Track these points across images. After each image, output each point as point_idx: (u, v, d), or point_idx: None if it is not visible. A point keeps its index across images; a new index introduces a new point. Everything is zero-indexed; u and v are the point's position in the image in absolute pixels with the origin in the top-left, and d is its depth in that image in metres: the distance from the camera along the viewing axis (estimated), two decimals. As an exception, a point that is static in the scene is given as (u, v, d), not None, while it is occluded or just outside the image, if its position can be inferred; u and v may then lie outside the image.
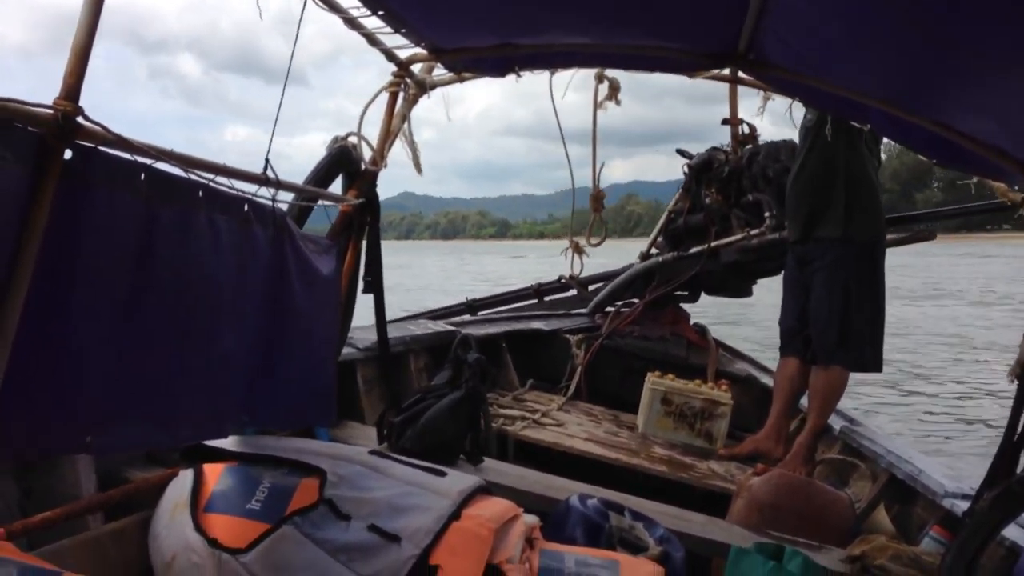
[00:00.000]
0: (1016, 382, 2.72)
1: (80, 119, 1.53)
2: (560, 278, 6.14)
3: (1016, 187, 3.02)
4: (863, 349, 3.90)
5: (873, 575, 2.62)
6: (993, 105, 2.24)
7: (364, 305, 3.19)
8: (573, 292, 6.06)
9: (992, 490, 2.60)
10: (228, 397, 2.14)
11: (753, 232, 5.00)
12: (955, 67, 2.04)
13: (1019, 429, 2.68)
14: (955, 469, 3.60)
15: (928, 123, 2.47)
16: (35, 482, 2.08)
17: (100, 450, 1.80)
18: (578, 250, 4.57)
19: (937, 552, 2.67)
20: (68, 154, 1.54)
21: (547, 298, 6.15)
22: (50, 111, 1.48)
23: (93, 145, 1.59)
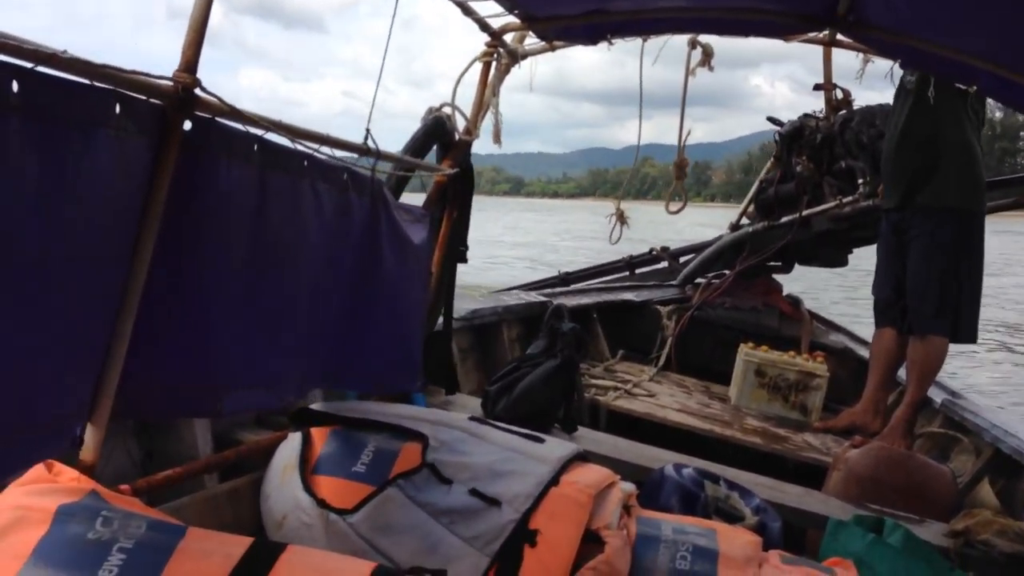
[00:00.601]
0: None
1: (198, 91, 1.59)
2: (651, 250, 6.14)
3: None
4: (961, 319, 3.79)
5: (977, 550, 2.57)
6: None
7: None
8: (664, 264, 6.03)
9: None
10: (321, 360, 2.20)
11: (846, 200, 4.88)
12: None
13: None
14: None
15: (1041, 84, 2.37)
16: (156, 443, 2.20)
17: (229, 412, 1.88)
18: (622, 219, 4.53)
19: (1046, 528, 2.59)
20: (187, 125, 1.60)
21: (638, 271, 6.14)
22: (170, 83, 1.54)
23: (210, 116, 1.65)
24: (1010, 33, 2.20)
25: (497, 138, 3.32)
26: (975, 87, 2.80)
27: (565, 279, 6.12)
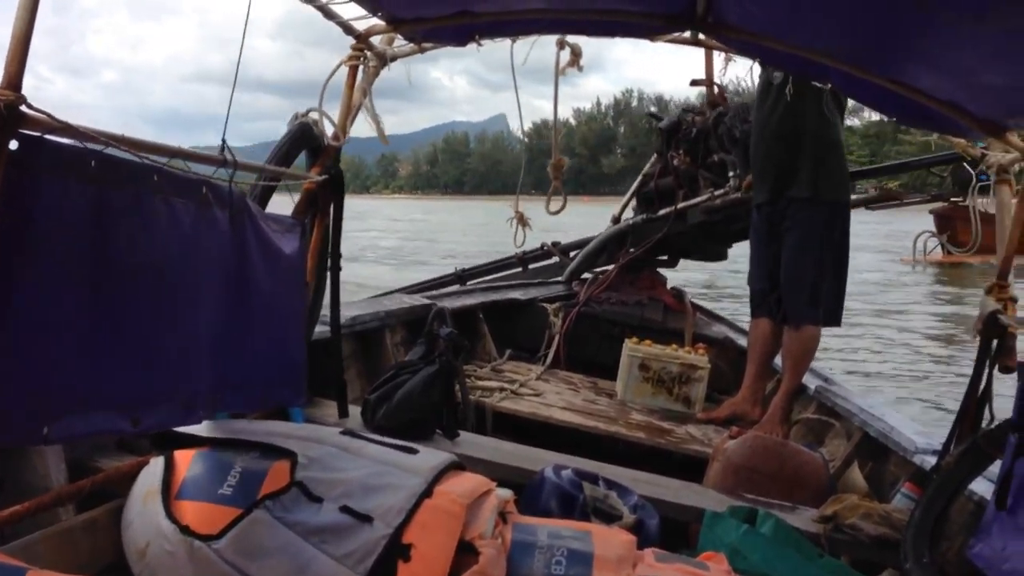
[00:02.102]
0: (978, 338, 2.75)
1: (24, 108, 1.50)
2: (543, 245, 6.17)
3: (975, 142, 3.02)
4: (830, 306, 3.93)
5: (845, 534, 2.66)
6: (947, 61, 2.24)
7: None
8: (556, 259, 6.07)
9: (957, 446, 2.64)
10: (194, 382, 2.12)
11: (717, 192, 5.01)
12: (909, 24, 2.04)
13: (982, 384, 2.71)
14: (927, 425, 3.64)
15: (886, 81, 2.47)
16: (4, 474, 2.07)
17: (58, 440, 1.78)
18: (523, 221, 4.58)
19: (908, 508, 2.70)
20: (14, 144, 1.51)
21: (531, 266, 6.18)
22: None
23: (39, 134, 1.57)
24: (853, 34, 2.29)
25: (382, 138, 3.28)
26: (828, 84, 2.90)
27: (461, 276, 6.14)
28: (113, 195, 1.73)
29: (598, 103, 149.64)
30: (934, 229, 21.25)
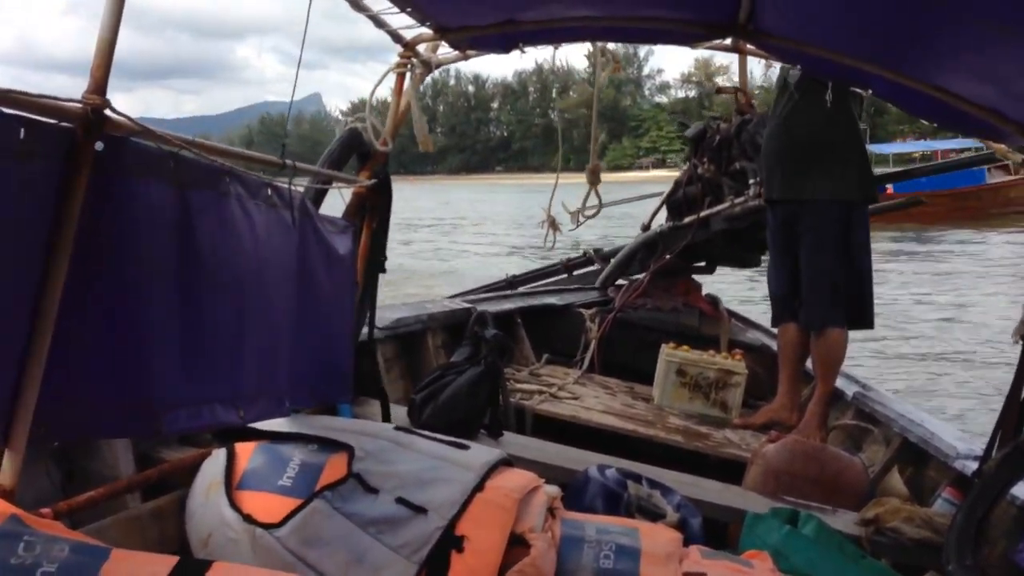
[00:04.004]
0: (1021, 343, 2.76)
1: (108, 112, 1.58)
2: (585, 252, 6.27)
3: (1015, 147, 3.04)
4: (855, 307, 3.93)
5: (887, 537, 2.69)
6: (989, 69, 2.27)
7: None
8: (596, 266, 6.14)
9: (999, 451, 2.65)
10: (278, 377, 2.21)
11: (737, 200, 5.03)
12: (952, 32, 2.08)
13: None
14: (967, 431, 3.64)
15: (928, 87, 2.50)
16: (76, 464, 2.16)
17: (170, 432, 1.87)
18: (554, 226, 4.65)
19: (949, 513, 2.72)
20: (99, 146, 1.59)
21: (575, 272, 6.27)
22: (80, 106, 1.53)
23: (123, 135, 1.65)
24: (894, 41, 2.32)
25: (425, 145, 3.34)
26: (869, 90, 2.93)
27: (512, 282, 6.29)
28: (192, 195, 1.82)
29: (480, 82, 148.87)
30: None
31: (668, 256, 5.44)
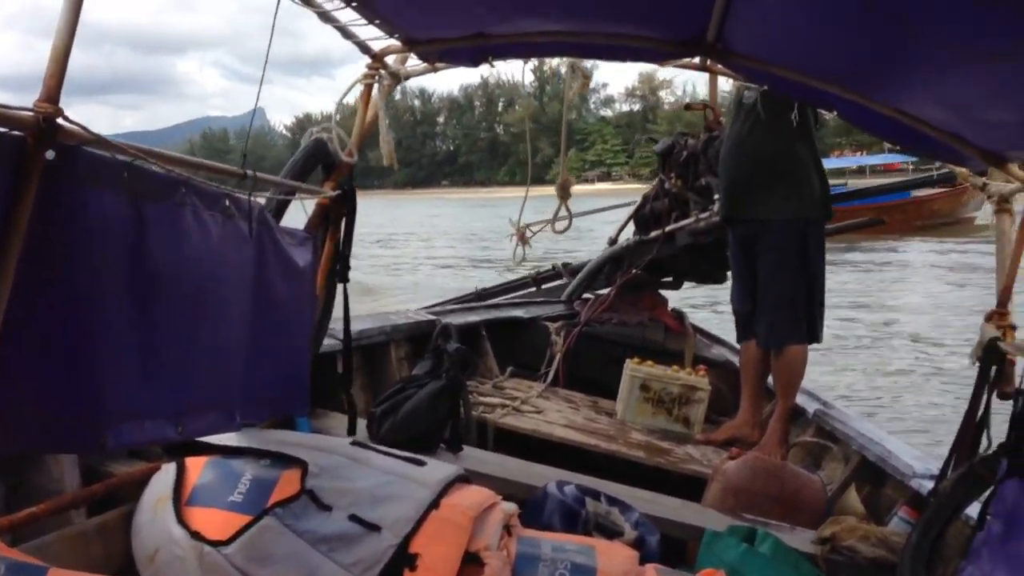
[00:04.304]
0: (977, 364, 2.79)
1: (61, 120, 1.55)
2: (553, 266, 6.29)
3: (977, 171, 3.07)
4: (811, 323, 3.97)
5: (842, 555, 2.70)
6: (951, 96, 2.30)
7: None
8: (564, 280, 6.15)
9: (955, 471, 2.67)
10: (230, 390, 2.17)
11: (702, 215, 5.06)
12: (915, 57, 2.10)
13: (980, 410, 2.74)
14: (924, 450, 3.67)
15: (891, 111, 2.53)
16: (20, 478, 2.11)
17: (116, 447, 1.82)
18: (523, 239, 4.65)
19: (905, 532, 2.73)
20: (51, 154, 1.56)
21: (544, 286, 6.28)
22: (31, 114, 1.50)
23: (75, 144, 1.62)
24: (860, 65, 2.34)
25: (390, 159, 3.31)
26: (834, 112, 2.96)
27: (480, 295, 6.27)
28: (146, 206, 1.78)
29: (426, 96, 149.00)
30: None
31: (635, 271, 5.46)
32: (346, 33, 2.76)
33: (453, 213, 47.33)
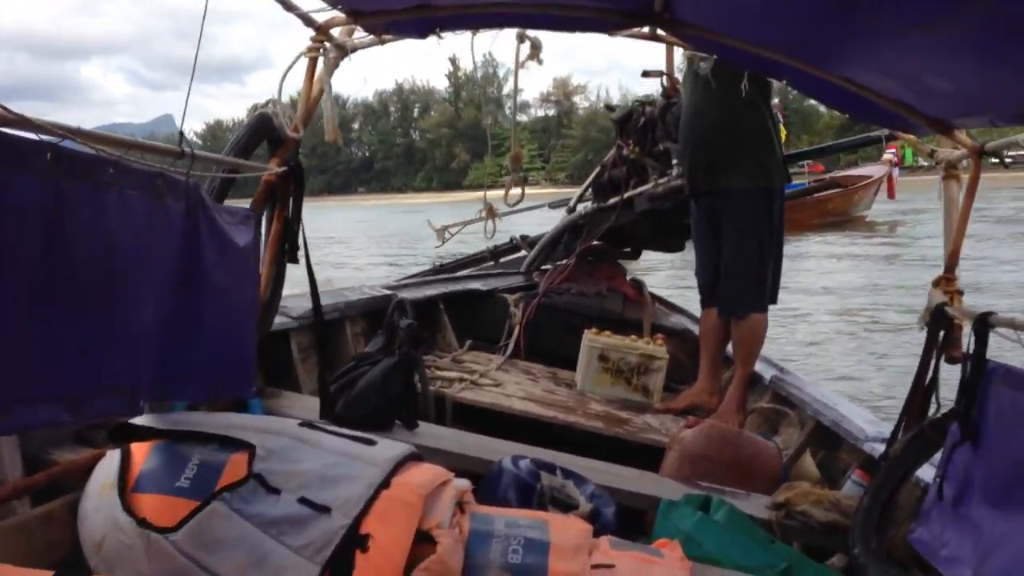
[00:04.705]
0: (925, 329, 2.82)
1: None
2: (511, 239, 6.25)
3: (925, 138, 3.10)
4: (771, 290, 4.05)
5: (796, 520, 2.73)
6: (897, 65, 2.30)
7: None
8: (524, 252, 6.13)
9: (905, 434, 2.71)
10: (140, 373, 2.11)
11: (660, 181, 5.07)
12: (859, 27, 2.09)
13: (929, 373, 2.78)
14: (877, 413, 3.73)
15: (839, 79, 2.53)
16: None
17: (7, 432, 1.77)
18: (492, 213, 4.62)
19: (857, 495, 2.77)
20: None
21: (502, 259, 6.25)
22: None
23: None
24: (806, 33, 2.33)
25: (334, 135, 3.25)
26: (783, 80, 2.96)
27: (439, 271, 6.27)
28: (67, 188, 1.72)
29: (341, 102, 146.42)
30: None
31: (594, 241, 5.45)
32: (287, 5, 2.69)
33: (374, 218, 47.60)
